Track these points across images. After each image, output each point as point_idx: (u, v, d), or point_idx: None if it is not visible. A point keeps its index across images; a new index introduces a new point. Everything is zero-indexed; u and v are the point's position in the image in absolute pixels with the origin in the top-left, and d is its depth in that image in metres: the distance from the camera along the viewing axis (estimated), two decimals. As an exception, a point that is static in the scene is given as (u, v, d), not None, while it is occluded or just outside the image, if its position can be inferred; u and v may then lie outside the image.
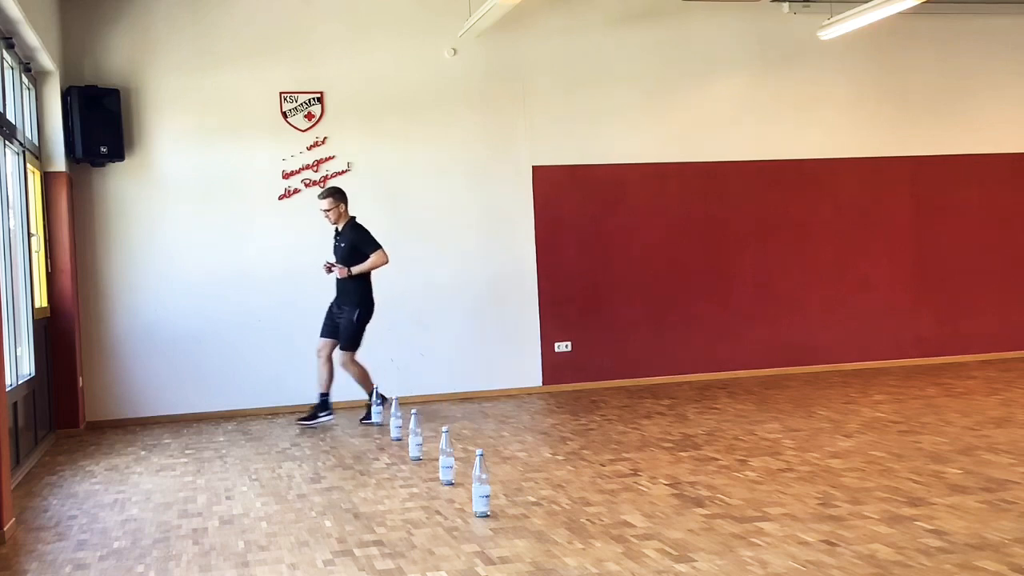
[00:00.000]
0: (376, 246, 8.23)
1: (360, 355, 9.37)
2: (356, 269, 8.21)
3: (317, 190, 9.32)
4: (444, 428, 6.16)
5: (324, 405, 8.38)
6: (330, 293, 9.43)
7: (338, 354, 8.33)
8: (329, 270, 8.31)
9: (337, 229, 8.39)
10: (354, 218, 8.35)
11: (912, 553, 4.33)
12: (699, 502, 5.35)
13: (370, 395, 8.35)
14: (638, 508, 5.29)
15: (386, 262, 8.23)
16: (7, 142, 7.26)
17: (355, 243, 8.24)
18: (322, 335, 8.43)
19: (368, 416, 8.33)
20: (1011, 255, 10.91)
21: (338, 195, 8.34)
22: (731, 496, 5.44)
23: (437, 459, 6.18)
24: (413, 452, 6.74)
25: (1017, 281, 10.92)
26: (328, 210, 8.30)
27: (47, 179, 8.47)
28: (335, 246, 8.43)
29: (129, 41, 9.00)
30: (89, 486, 6.48)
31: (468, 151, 9.69)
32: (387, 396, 8.33)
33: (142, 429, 8.64)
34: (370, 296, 8.34)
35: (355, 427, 8.24)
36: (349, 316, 8.27)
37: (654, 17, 10.07)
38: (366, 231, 8.30)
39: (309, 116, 9.35)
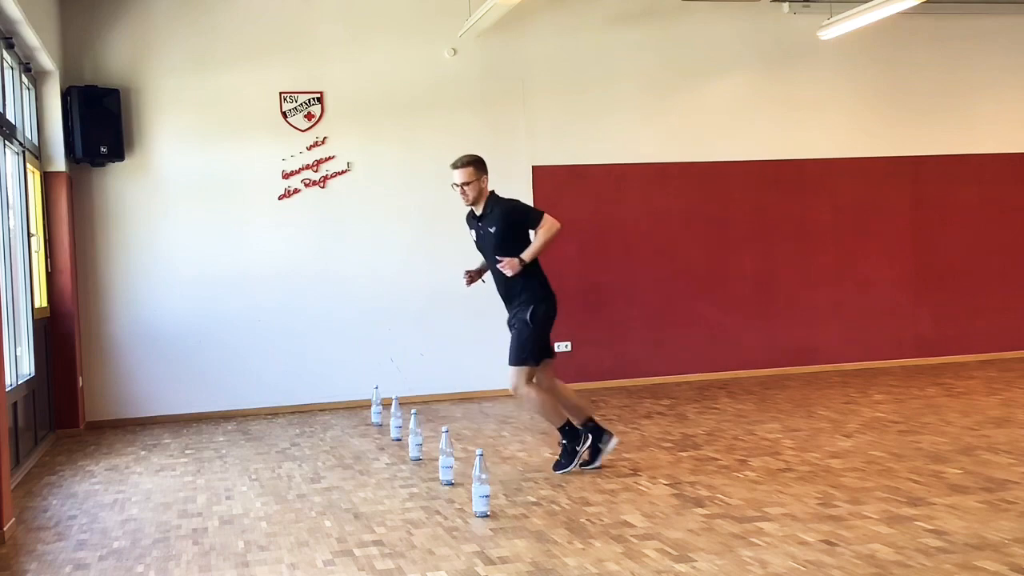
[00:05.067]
0: (540, 211, 6.10)
1: (364, 355, 9.39)
2: (529, 254, 5.96)
3: (317, 190, 9.34)
4: (444, 428, 6.15)
5: (575, 434, 6.12)
6: (333, 293, 9.44)
7: (508, 373, 6.04)
8: (473, 279, 6.27)
9: (474, 212, 6.19)
10: (494, 192, 6.18)
11: (912, 553, 4.33)
12: (699, 502, 5.35)
13: (562, 430, 6.12)
14: (638, 508, 5.29)
15: (560, 227, 6.03)
16: (7, 142, 7.26)
17: (511, 221, 6.05)
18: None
19: (565, 462, 6.13)
20: (1011, 255, 10.91)
21: (480, 165, 6.12)
22: (731, 496, 5.44)
23: (437, 459, 6.18)
24: (413, 452, 6.74)
25: (1017, 281, 10.92)
26: (466, 184, 6.05)
27: (47, 179, 8.47)
28: (480, 235, 6.17)
29: (129, 41, 9.00)
30: (89, 486, 6.48)
31: (468, 151, 9.64)
32: (581, 430, 6.17)
33: (142, 429, 8.63)
34: (548, 285, 6.11)
35: (355, 426, 8.23)
36: (522, 316, 6.03)
37: (654, 17, 10.07)
38: (519, 200, 6.22)
39: (309, 116, 9.35)
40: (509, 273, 5.95)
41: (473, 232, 6.25)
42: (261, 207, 9.26)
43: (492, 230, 6.05)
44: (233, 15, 9.21)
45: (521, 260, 5.94)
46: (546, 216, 6.02)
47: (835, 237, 10.51)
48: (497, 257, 6.01)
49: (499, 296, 6.22)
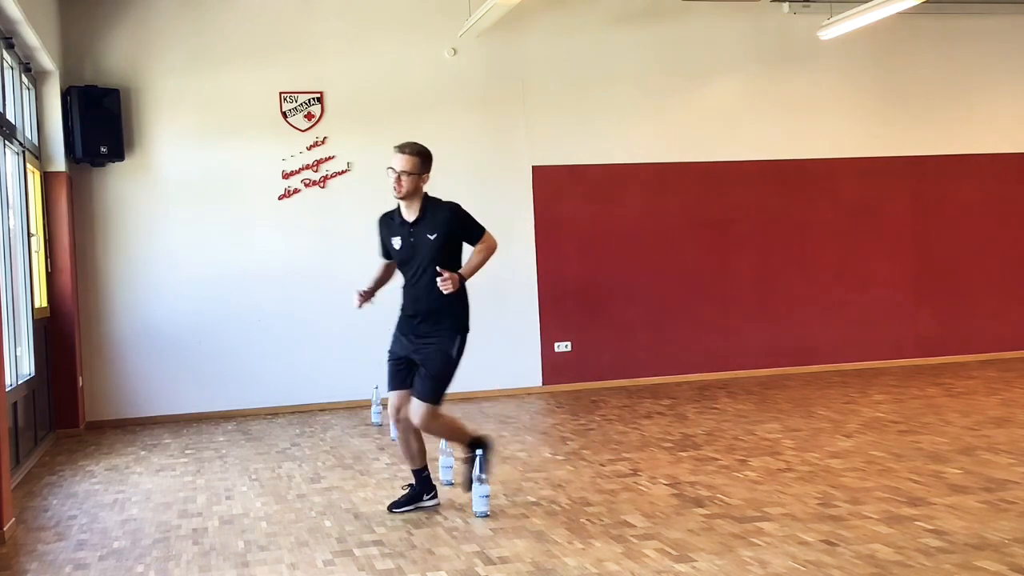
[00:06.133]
0: (482, 226, 5.40)
1: (364, 355, 9.37)
2: (468, 271, 5.30)
3: (317, 190, 9.34)
4: (444, 428, 6.14)
5: (427, 484, 5.53)
6: (333, 293, 9.42)
7: (416, 408, 5.29)
8: (365, 299, 5.59)
9: (399, 217, 5.45)
10: (428, 194, 5.45)
11: (912, 553, 4.33)
12: (699, 502, 5.35)
13: (473, 446, 5.42)
14: (638, 508, 5.29)
15: (496, 248, 5.42)
16: (7, 142, 7.26)
17: (457, 230, 5.33)
18: (393, 387, 5.49)
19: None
20: (1011, 255, 10.90)
21: (427, 159, 5.41)
22: (731, 496, 5.44)
23: (437, 459, 6.18)
24: (413, 452, 6.73)
25: (1017, 281, 10.91)
26: (406, 173, 5.34)
27: (47, 179, 8.47)
28: (409, 243, 5.37)
29: (129, 41, 9.00)
30: (89, 486, 6.48)
31: (468, 151, 9.68)
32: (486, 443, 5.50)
33: (142, 429, 8.63)
34: (468, 314, 5.39)
35: (354, 426, 8.24)
36: (443, 347, 5.30)
37: (654, 17, 10.07)
38: (460, 205, 5.42)
39: (309, 116, 9.35)
40: (449, 290, 5.16)
41: (397, 239, 5.39)
42: (261, 207, 9.26)
43: (432, 237, 5.26)
44: (233, 15, 9.21)
45: (461, 277, 5.22)
46: (488, 233, 5.37)
47: (835, 237, 10.51)
48: (438, 268, 5.19)
49: (407, 312, 5.44)
